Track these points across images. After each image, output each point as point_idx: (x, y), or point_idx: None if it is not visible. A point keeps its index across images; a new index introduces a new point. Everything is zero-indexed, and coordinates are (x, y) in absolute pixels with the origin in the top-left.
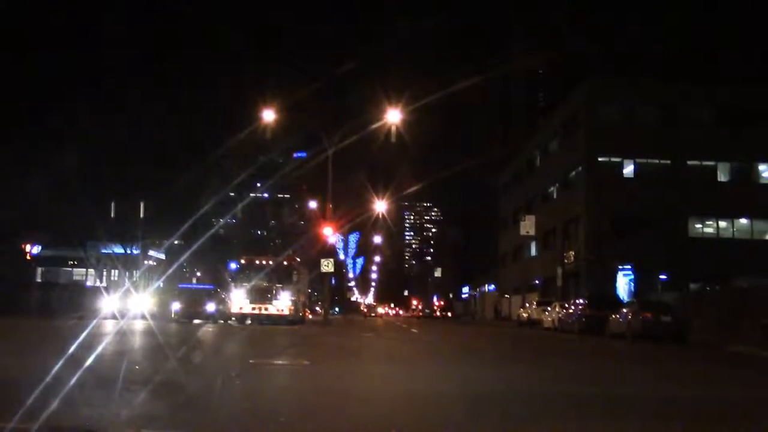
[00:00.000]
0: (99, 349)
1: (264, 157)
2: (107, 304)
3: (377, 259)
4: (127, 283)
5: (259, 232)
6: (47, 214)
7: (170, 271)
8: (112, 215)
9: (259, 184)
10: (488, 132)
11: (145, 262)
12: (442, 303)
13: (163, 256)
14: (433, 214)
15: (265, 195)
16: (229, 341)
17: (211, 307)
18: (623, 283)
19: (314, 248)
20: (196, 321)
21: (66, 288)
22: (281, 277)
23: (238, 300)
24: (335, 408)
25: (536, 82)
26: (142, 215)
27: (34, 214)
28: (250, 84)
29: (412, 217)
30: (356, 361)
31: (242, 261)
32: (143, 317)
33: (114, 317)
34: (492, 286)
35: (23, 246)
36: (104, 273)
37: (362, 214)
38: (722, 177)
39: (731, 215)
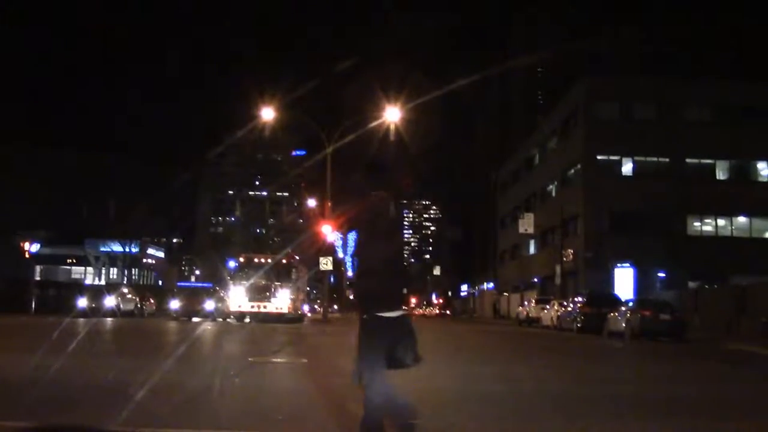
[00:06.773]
0: (98, 347)
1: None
2: (102, 301)
3: None
4: (124, 281)
5: (258, 230)
6: (46, 212)
7: (169, 268)
8: (111, 214)
9: (258, 182)
10: (487, 130)
11: (144, 260)
12: (440, 300)
13: (162, 255)
14: (432, 212)
15: (265, 193)
16: (228, 339)
17: (209, 305)
18: (622, 282)
19: (313, 246)
20: (195, 319)
21: (63, 286)
22: (280, 275)
23: (237, 298)
24: (334, 406)
25: (536, 81)
26: (140, 214)
27: (33, 212)
28: (250, 82)
29: (411, 216)
30: None
31: (241, 259)
32: (141, 315)
33: (113, 315)
34: (491, 284)
35: (21, 244)
36: (102, 271)
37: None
38: (721, 175)
39: (730, 213)
